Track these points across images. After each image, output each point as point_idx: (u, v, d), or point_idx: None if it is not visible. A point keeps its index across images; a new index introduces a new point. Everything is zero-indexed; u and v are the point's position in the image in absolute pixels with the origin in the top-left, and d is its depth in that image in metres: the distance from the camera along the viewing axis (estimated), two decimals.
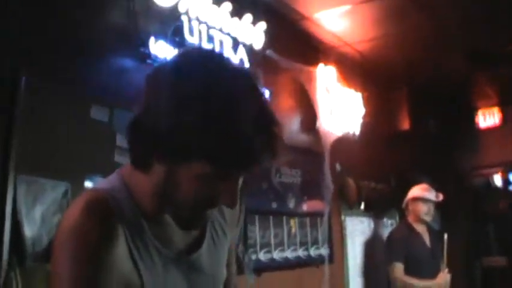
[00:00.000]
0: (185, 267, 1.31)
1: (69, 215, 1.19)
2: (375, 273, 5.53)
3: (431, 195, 5.09)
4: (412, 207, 5.15)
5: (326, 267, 4.62)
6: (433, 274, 4.84)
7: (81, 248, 1.12)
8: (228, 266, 1.50)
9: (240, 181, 1.19)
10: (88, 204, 1.18)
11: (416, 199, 5.11)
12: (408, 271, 4.80)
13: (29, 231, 2.51)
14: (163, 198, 1.23)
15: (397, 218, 6.19)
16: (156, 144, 1.13)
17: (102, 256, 1.13)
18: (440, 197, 5.12)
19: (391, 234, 5.35)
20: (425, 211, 5.06)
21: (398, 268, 4.82)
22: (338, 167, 5.23)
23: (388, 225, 6.11)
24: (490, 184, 7.63)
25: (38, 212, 2.57)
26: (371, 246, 5.74)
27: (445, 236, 4.97)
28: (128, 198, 1.25)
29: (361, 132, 5.51)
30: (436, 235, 5.21)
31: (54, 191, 2.67)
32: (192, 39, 3.52)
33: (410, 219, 5.14)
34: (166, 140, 1.11)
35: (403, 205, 5.26)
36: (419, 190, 5.15)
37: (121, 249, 1.18)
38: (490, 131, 7.30)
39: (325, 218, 4.82)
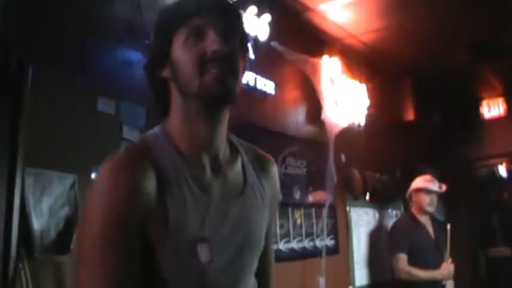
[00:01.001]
0: (220, 214, 1.38)
1: (100, 172, 1.31)
2: (380, 264, 5.55)
3: (435, 186, 5.10)
4: (415, 198, 5.16)
5: (323, 259, 4.62)
6: (436, 264, 4.85)
7: (101, 204, 1.26)
8: (267, 239, 1.59)
9: (218, 43, 1.34)
10: (118, 160, 1.32)
11: (419, 190, 5.13)
12: (412, 262, 4.82)
13: (37, 223, 2.54)
14: (188, 113, 1.40)
15: (402, 209, 6.19)
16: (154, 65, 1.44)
17: (121, 212, 1.24)
18: (444, 187, 5.13)
19: (394, 225, 5.37)
20: (428, 202, 5.07)
21: (402, 259, 4.83)
22: (343, 157, 5.24)
23: (393, 216, 6.12)
24: (494, 174, 7.62)
25: (45, 204, 2.60)
26: (376, 237, 5.75)
27: (448, 226, 4.98)
28: (166, 143, 1.39)
29: (366, 123, 5.51)
30: (440, 226, 5.22)
31: (61, 183, 2.70)
32: None
33: (414, 210, 5.16)
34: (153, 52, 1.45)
35: (407, 196, 5.28)
36: (422, 181, 5.17)
37: (148, 200, 1.28)
38: (494, 121, 7.29)
39: (327, 209, 4.82)
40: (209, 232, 1.34)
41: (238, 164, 1.51)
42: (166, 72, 1.41)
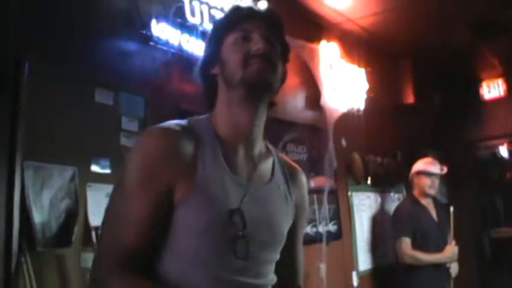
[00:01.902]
0: (245, 194, 1.55)
1: (143, 133, 1.60)
2: (383, 248, 5.55)
3: (435, 168, 5.08)
4: (416, 181, 5.15)
5: (324, 245, 4.61)
6: (440, 247, 4.85)
7: (137, 159, 1.49)
8: (295, 240, 1.79)
9: (261, 43, 1.57)
10: (160, 126, 1.54)
11: (420, 173, 5.11)
12: (415, 245, 4.81)
13: (38, 216, 2.53)
14: (230, 102, 1.60)
15: (404, 192, 6.19)
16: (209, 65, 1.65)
17: (152, 169, 1.45)
18: (445, 169, 5.11)
19: (397, 209, 5.34)
20: (429, 184, 5.05)
21: (406, 243, 4.82)
22: (344, 142, 5.23)
23: (395, 200, 6.11)
24: (496, 155, 7.62)
25: (46, 197, 2.60)
26: (378, 221, 5.75)
27: (451, 208, 4.97)
28: (208, 126, 1.60)
29: (366, 107, 5.49)
30: (442, 208, 5.21)
31: (61, 175, 2.69)
32: (193, 20, 3.52)
33: (416, 193, 5.15)
34: (208, 54, 1.67)
35: (409, 179, 5.27)
36: (422, 164, 5.15)
37: (182, 163, 1.48)
38: (494, 102, 7.27)
39: (327, 194, 4.81)
40: (242, 206, 1.51)
41: (270, 162, 1.72)
42: (216, 70, 1.63)
